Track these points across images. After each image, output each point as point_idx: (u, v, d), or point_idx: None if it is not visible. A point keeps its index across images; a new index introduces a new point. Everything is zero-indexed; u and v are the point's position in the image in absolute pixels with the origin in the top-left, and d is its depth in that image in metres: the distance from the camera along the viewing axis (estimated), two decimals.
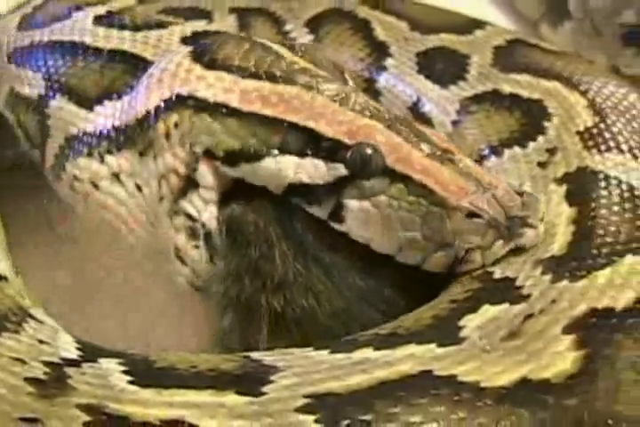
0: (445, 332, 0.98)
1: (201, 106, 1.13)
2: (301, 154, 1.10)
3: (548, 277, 1.04)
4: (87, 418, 0.88)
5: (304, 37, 1.50)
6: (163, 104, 1.16)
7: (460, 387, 0.90)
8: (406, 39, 1.46)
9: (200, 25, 1.50)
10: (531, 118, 1.29)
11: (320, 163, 1.09)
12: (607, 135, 1.22)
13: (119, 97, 1.23)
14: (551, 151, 1.23)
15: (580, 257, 1.06)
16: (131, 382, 0.93)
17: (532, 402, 0.89)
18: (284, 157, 1.10)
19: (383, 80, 1.46)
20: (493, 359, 0.93)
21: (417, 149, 1.09)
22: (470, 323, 0.99)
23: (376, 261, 1.10)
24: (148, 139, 1.18)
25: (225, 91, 1.13)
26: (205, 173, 1.14)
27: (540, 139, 1.25)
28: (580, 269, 1.04)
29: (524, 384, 0.91)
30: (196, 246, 1.16)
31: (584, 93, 1.29)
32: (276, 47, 1.19)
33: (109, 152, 1.22)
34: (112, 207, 1.24)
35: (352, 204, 1.08)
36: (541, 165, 1.22)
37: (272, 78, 1.13)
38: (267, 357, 0.98)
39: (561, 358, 0.93)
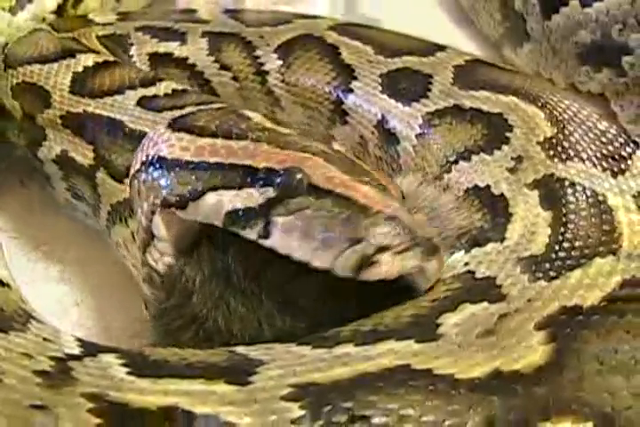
0: (424, 329, 1.08)
1: (162, 163, 1.26)
2: (239, 186, 1.20)
3: (526, 277, 1.15)
4: (91, 405, 0.99)
5: (273, 63, 1.63)
6: (140, 167, 1.29)
7: (435, 379, 1.01)
8: (371, 62, 1.58)
9: (172, 46, 1.67)
10: (493, 130, 1.40)
11: (253, 190, 1.19)
12: (566, 145, 1.34)
13: None
14: (517, 159, 1.33)
15: (554, 258, 1.17)
16: (129, 373, 1.04)
17: (503, 391, 1.00)
18: (224, 191, 1.21)
19: (350, 101, 1.57)
20: (468, 354, 1.04)
21: (345, 174, 1.18)
22: (448, 320, 1.09)
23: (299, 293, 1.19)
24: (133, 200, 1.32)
25: (182, 148, 1.26)
26: (159, 224, 1.25)
27: (505, 148, 1.36)
28: (554, 269, 1.15)
29: (496, 375, 1.01)
30: (156, 295, 1.26)
31: (541, 107, 1.41)
32: (254, 116, 1.30)
33: (130, 215, 1.37)
34: (136, 266, 1.37)
35: (278, 219, 1.17)
36: (510, 170, 1.33)
37: (227, 136, 1.25)
38: (251, 351, 1.08)
39: (531, 352, 1.04)
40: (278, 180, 1.18)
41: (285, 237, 1.16)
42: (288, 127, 1.30)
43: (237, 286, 1.20)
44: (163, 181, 1.25)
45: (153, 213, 1.26)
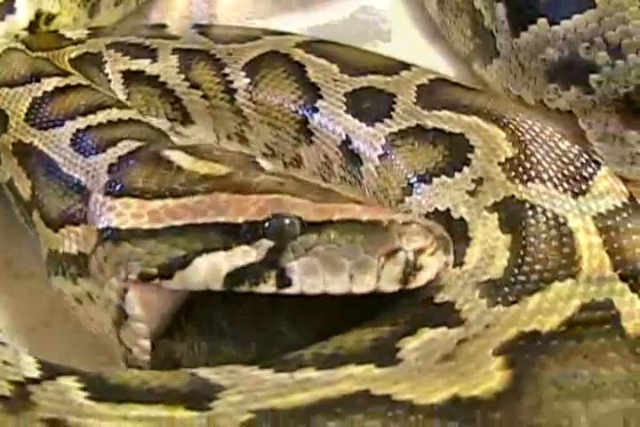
0: (384, 353, 1.11)
1: (118, 235, 1.24)
2: (225, 247, 1.20)
3: (484, 301, 1.17)
4: None
5: (241, 81, 1.64)
6: (95, 241, 1.27)
7: (394, 405, 1.03)
8: (336, 80, 1.59)
9: (143, 63, 1.67)
10: (454, 151, 1.42)
11: (245, 247, 1.19)
12: (527, 165, 1.36)
13: (76, 224, 1.34)
14: (477, 182, 1.36)
15: (513, 282, 1.20)
16: (88, 398, 1.06)
17: (462, 417, 1.03)
18: (212, 254, 1.20)
19: (315, 120, 1.59)
20: (427, 380, 1.07)
21: (328, 203, 1.19)
22: (407, 345, 1.11)
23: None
24: (90, 270, 1.30)
25: (134, 216, 1.24)
26: (133, 302, 1.23)
27: (466, 169, 1.38)
28: (512, 294, 1.18)
29: (455, 401, 1.04)
30: (140, 367, 1.26)
31: (503, 127, 1.43)
32: (179, 159, 1.29)
33: (80, 276, 1.32)
34: (94, 320, 1.34)
35: (292, 264, 1.18)
36: (470, 193, 1.35)
37: (174, 193, 1.24)
38: (213, 375, 1.10)
39: (489, 378, 1.07)
40: (269, 230, 1.18)
41: (311, 279, 1.17)
42: (221, 160, 1.30)
43: (228, 334, 1.23)
44: (130, 255, 1.23)
45: (125, 290, 1.24)
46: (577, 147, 1.42)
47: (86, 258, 1.30)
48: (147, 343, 1.24)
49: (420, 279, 1.17)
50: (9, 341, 1.22)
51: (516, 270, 1.21)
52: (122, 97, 1.66)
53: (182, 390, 1.06)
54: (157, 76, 1.67)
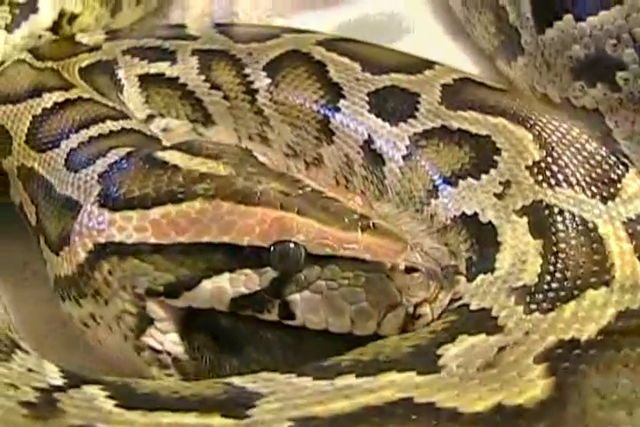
0: (425, 360, 1.12)
1: (123, 250, 1.26)
2: (230, 269, 1.22)
3: (520, 308, 1.19)
4: None
5: (262, 81, 1.66)
6: (90, 256, 1.28)
7: (438, 413, 1.04)
8: (358, 80, 1.61)
9: (162, 66, 1.69)
10: (480, 152, 1.44)
11: (249, 271, 1.22)
12: (555, 169, 1.38)
13: (67, 244, 1.34)
14: (505, 184, 1.37)
15: (547, 289, 1.21)
16: (116, 406, 1.06)
17: (506, 425, 1.04)
18: (218, 277, 1.22)
19: (336, 120, 1.61)
20: (470, 387, 1.08)
21: (333, 227, 1.21)
22: (448, 352, 1.13)
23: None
24: (92, 287, 1.30)
25: (137, 230, 1.25)
26: (155, 308, 1.26)
27: (493, 172, 1.40)
28: (548, 301, 1.20)
29: (499, 410, 1.05)
30: (170, 374, 1.28)
31: (529, 128, 1.45)
32: (174, 158, 1.30)
33: (80, 297, 1.32)
34: (102, 343, 1.35)
35: (294, 298, 1.22)
36: (498, 196, 1.37)
37: (173, 198, 1.25)
38: (249, 383, 1.11)
39: (533, 386, 1.08)
40: (274, 259, 1.20)
41: (312, 315, 1.22)
42: (218, 155, 1.31)
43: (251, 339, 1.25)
44: (136, 270, 1.25)
45: (142, 299, 1.26)
46: (604, 148, 1.43)
47: (82, 276, 1.31)
48: (177, 337, 1.27)
49: (418, 325, 1.21)
50: (31, 350, 1.22)
51: (550, 277, 1.23)
52: (139, 101, 1.69)
53: (217, 398, 1.07)
54: (177, 78, 1.69)
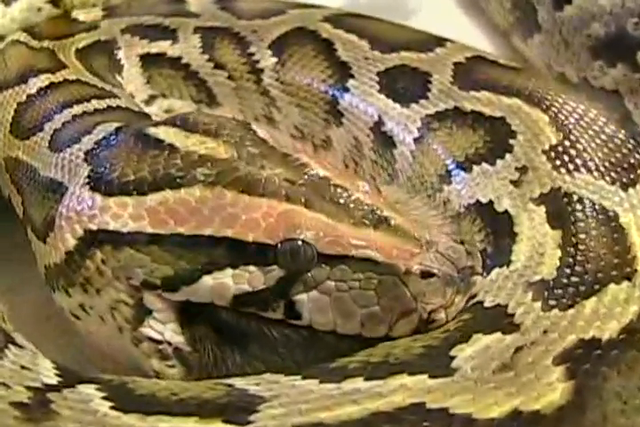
0: (437, 362, 1.07)
1: (117, 239, 1.20)
2: (233, 265, 1.17)
3: (538, 305, 1.14)
4: None
5: (267, 60, 1.62)
6: (80, 243, 1.22)
7: (451, 419, 1.00)
8: (367, 59, 1.57)
9: (164, 45, 1.64)
10: (495, 136, 1.39)
11: (253, 269, 1.17)
12: (573, 153, 1.33)
13: (52, 230, 1.28)
14: (521, 171, 1.33)
15: (566, 284, 1.17)
16: (112, 408, 1.02)
17: None
18: (220, 273, 1.18)
19: (345, 101, 1.57)
20: (485, 391, 1.03)
21: (344, 222, 1.16)
22: (462, 353, 1.08)
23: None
24: (82, 276, 1.24)
25: (133, 218, 1.19)
26: (153, 299, 1.21)
27: (508, 157, 1.35)
28: (567, 297, 1.15)
29: (516, 416, 1.01)
30: (172, 365, 1.24)
31: (545, 110, 1.40)
32: (169, 136, 1.24)
33: (69, 286, 1.27)
34: (93, 334, 1.30)
35: (301, 298, 1.17)
36: (514, 183, 1.32)
37: (172, 183, 1.19)
38: (252, 386, 1.07)
39: (551, 390, 1.03)
40: (281, 258, 1.16)
41: (320, 316, 1.17)
42: (216, 132, 1.26)
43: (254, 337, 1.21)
44: (132, 261, 1.20)
45: (138, 290, 1.21)
46: (623, 131, 1.38)
47: (71, 264, 1.25)
48: (177, 327, 1.23)
49: (432, 329, 1.17)
50: (26, 343, 1.18)
51: (569, 271, 1.18)
52: (140, 82, 1.64)
53: (218, 402, 1.03)
54: (180, 58, 1.64)
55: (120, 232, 1.20)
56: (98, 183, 1.23)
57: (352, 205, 1.19)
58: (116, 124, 1.32)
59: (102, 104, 1.43)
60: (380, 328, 1.16)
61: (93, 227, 1.21)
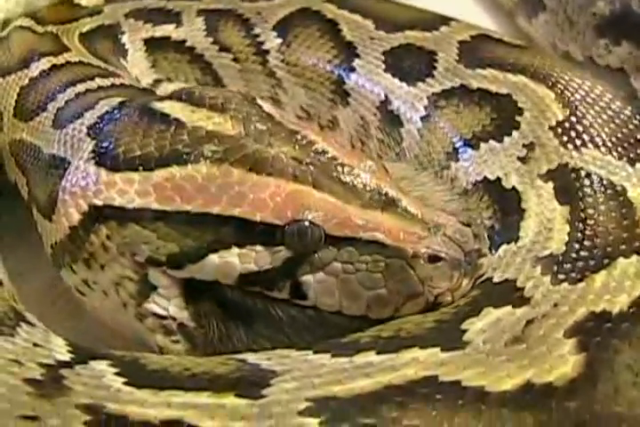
0: (449, 335, 1.08)
1: (123, 215, 1.20)
2: (239, 244, 1.17)
3: (547, 279, 1.14)
4: (87, 417, 0.98)
5: (272, 41, 1.62)
6: (85, 218, 1.22)
7: (463, 392, 1.00)
8: (372, 38, 1.57)
9: (168, 28, 1.64)
10: (502, 113, 1.40)
11: (260, 249, 1.17)
12: (580, 129, 1.33)
13: (57, 205, 1.27)
14: (529, 147, 1.33)
15: (575, 258, 1.17)
16: (126, 384, 1.03)
17: (535, 405, 1.00)
18: (226, 251, 1.18)
19: (351, 81, 1.57)
20: (497, 364, 1.04)
21: (352, 204, 1.17)
22: (473, 326, 1.09)
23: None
24: (86, 251, 1.24)
25: (139, 194, 1.19)
26: (158, 275, 1.21)
27: (515, 134, 1.36)
28: (577, 271, 1.15)
29: (528, 388, 1.01)
30: (176, 341, 1.24)
31: (551, 87, 1.40)
32: (175, 111, 1.24)
33: (74, 261, 1.27)
34: (98, 309, 1.31)
35: (308, 279, 1.18)
36: (522, 160, 1.32)
37: (178, 160, 1.19)
38: (263, 361, 1.07)
39: (564, 362, 1.04)
40: (288, 239, 1.16)
41: (326, 297, 1.18)
42: (222, 107, 1.26)
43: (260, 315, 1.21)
44: (137, 237, 1.20)
45: (143, 267, 1.21)
46: (629, 107, 1.39)
47: (75, 240, 1.25)
48: (182, 302, 1.23)
49: (434, 309, 1.18)
50: (37, 321, 1.18)
51: (578, 245, 1.18)
52: (144, 66, 1.63)
53: (230, 377, 1.03)
54: (184, 41, 1.64)
55: (126, 208, 1.20)
56: (103, 158, 1.23)
57: (360, 187, 1.19)
58: (119, 99, 1.32)
59: (106, 82, 1.43)
60: (386, 311, 1.17)
61: (99, 202, 1.21)
